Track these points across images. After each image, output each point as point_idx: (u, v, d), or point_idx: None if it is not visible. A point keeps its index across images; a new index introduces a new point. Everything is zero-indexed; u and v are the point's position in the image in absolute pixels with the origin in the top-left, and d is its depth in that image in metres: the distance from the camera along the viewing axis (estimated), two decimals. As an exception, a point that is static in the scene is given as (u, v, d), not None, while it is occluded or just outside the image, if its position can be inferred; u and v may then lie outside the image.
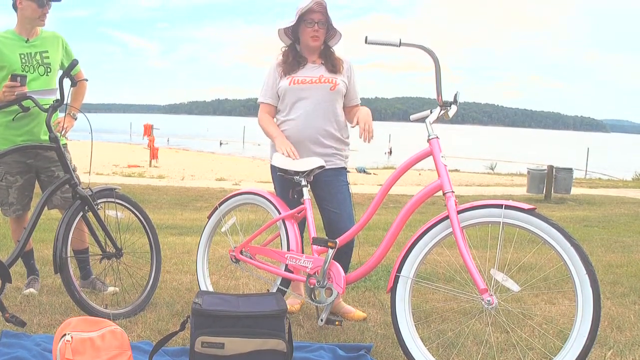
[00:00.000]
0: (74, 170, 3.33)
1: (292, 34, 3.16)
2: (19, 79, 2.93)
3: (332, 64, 3.13)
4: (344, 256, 3.02)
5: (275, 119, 3.20)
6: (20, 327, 2.59)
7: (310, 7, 3.01)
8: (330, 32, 3.11)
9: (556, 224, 2.20)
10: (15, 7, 3.17)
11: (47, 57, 3.25)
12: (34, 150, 3.17)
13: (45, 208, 3.05)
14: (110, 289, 3.47)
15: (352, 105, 3.21)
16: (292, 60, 3.13)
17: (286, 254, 2.90)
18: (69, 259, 2.89)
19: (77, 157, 3.67)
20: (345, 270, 2.97)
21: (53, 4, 3.21)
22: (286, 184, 3.08)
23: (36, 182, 3.36)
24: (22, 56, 3.17)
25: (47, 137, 3.11)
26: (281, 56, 3.18)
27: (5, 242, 4.75)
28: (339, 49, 3.22)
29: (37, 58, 3.21)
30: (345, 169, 3.19)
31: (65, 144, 3.39)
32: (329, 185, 3.09)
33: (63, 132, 3.28)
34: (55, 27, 3.35)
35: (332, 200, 3.09)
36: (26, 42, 3.20)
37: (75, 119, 3.42)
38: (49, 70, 3.24)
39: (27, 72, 3.14)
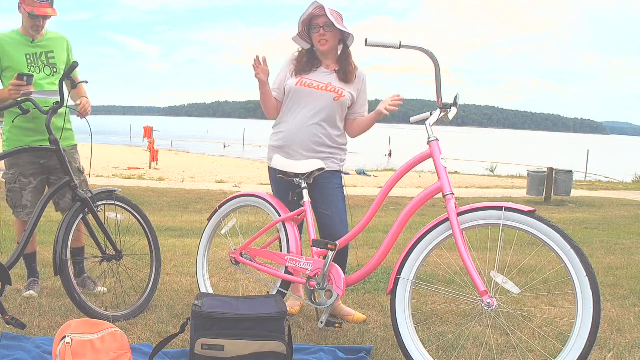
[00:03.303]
0: (82, 173, 3.37)
1: (309, 38, 3.14)
2: (25, 78, 2.95)
3: (345, 72, 3.09)
4: (340, 258, 3.01)
5: (278, 117, 3.20)
6: (20, 329, 2.59)
7: (311, 13, 3.02)
8: (345, 33, 3.08)
9: (556, 226, 2.20)
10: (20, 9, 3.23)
11: (53, 58, 3.29)
12: (43, 151, 3.19)
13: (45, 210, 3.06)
14: (99, 289, 3.47)
15: (355, 117, 3.18)
16: (306, 62, 3.12)
17: (286, 256, 2.90)
18: (69, 261, 2.89)
19: (77, 159, 3.67)
20: (343, 272, 2.97)
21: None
22: (285, 186, 3.08)
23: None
24: (28, 56, 3.21)
25: (62, 136, 3.18)
26: (297, 53, 3.18)
27: (5, 244, 4.75)
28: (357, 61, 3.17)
29: (42, 59, 3.26)
30: (340, 172, 3.18)
31: (76, 144, 3.44)
32: (322, 187, 3.09)
33: (86, 113, 3.29)
34: (54, 30, 3.40)
35: (324, 202, 3.09)
36: (32, 42, 3.25)
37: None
38: (54, 70, 3.27)
39: (33, 72, 3.17)
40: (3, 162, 3.26)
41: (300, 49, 3.19)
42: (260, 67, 3.00)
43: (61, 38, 3.39)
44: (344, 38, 3.11)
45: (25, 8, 3.15)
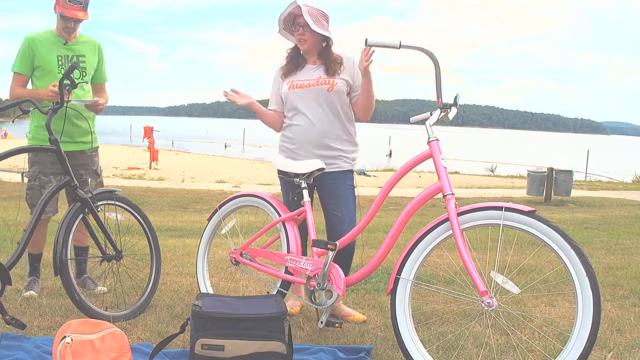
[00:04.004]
0: (99, 175, 3.42)
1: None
2: (67, 87, 3.00)
3: (330, 66, 3.09)
4: (344, 258, 3.02)
5: (283, 122, 3.20)
6: (20, 329, 2.59)
7: (290, 12, 3.02)
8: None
9: (556, 226, 2.20)
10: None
11: (84, 62, 3.35)
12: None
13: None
14: (99, 288, 3.47)
15: (357, 99, 3.14)
16: (291, 61, 3.15)
17: (286, 256, 2.90)
18: (69, 261, 2.89)
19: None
20: (346, 273, 2.97)
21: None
22: (287, 185, 3.08)
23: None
24: (60, 58, 3.27)
25: (83, 139, 3.28)
26: (284, 58, 3.20)
27: (5, 244, 4.75)
28: (339, 48, 3.16)
29: (73, 62, 3.30)
30: (352, 171, 3.17)
31: (97, 147, 3.51)
32: (333, 188, 3.09)
33: (95, 109, 3.39)
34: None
35: (335, 202, 3.09)
36: (64, 44, 3.30)
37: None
38: (84, 74, 3.32)
39: (62, 74, 3.21)
40: (25, 162, 3.29)
41: (288, 50, 3.20)
42: (236, 97, 3.07)
43: (93, 43, 3.45)
44: (326, 38, 3.10)
45: (58, 9, 3.20)
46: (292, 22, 3.09)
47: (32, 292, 3.31)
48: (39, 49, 3.23)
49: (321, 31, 2.97)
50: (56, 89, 3.01)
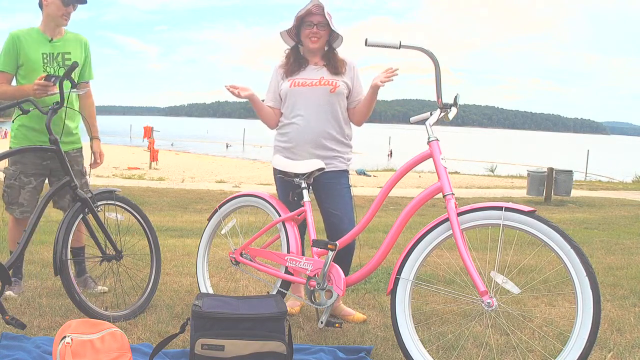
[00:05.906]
0: (84, 176, 3.40)
1: (296, 35, 3.16)
2: (53, 79, 2.98)
3: (334, 66, 3.12)
4: (344, 258, 3.02)
5: (279, 121, 3.20)
6: (20, 329, 2.59)
7: (309, 10, 3.02)
8: (333, 34, 3.11)
9: (556, 226, 2.20)
10: (41, 4, 3.23)
11: (69, 59, 3.31)
12: (44, 151, 3.20)
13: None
14: (99, 288, 3.47)
15: (355, 105, 3.19)
16: (294, 62, 3.15)
17: (286, 256, 2.90)
18: (69, 261, 2.89)
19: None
20: (346, 273, 2.97)
21: (79, 5, 3.27)
22: (287, 185, 3.08)
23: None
24: (45, 56, 3.23)
25: (65, 140, 3.23)
26: (284, 58, 3.20)
27: (5, 244, 4.75)
28: (342, 51, 3.21)
29: (58, 59, 3.27)
30: (347, 171, 3.19)
31: (81, 147, 3.48)
32: (330, 187, 3.09)
33: (101, 159, 3.51)
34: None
35: (332, 202, 3.09)
36: (50, 41, 3.26)
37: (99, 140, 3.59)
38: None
39: (47, 72, 3.20)
40: (6, 160, 3.28)
41: (285, 51, 3.20)
42: (237, 90, 3.06)
43: (79, 39, 3.40)
44: (330, 39, 3.14)
45: None
46: (302, 21, 3.09)
47: (10, 293, 3.24)
48: (23, 46, 3.18)
49: (338, 31, 3.04)
50: (42, 81, 2.98)
